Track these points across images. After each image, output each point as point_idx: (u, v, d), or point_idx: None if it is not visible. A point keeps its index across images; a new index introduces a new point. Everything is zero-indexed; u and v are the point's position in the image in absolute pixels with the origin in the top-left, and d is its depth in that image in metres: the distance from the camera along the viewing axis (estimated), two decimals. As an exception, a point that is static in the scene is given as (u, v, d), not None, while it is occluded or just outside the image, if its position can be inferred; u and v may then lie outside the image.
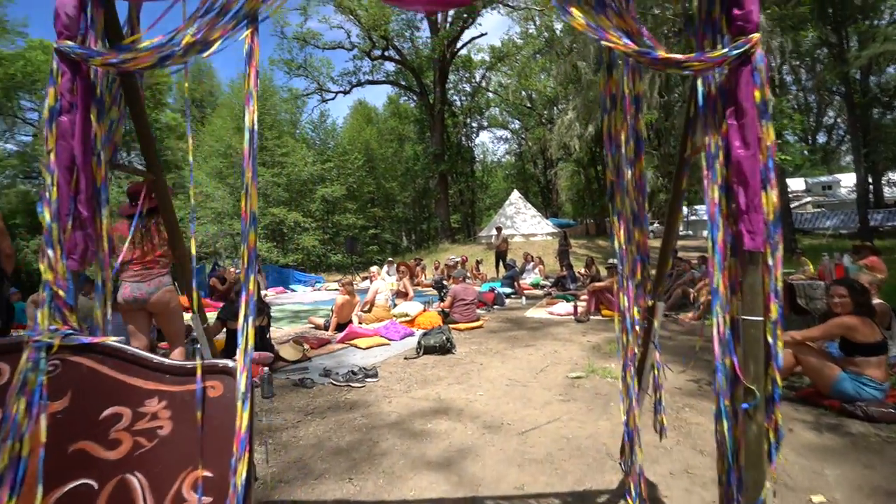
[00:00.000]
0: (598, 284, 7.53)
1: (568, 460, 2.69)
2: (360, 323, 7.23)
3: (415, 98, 31.89)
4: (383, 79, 29.83)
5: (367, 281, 8.11)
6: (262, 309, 4.67)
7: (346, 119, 41.38)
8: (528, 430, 3.10)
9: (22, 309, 6.95)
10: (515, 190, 26.15)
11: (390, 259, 17.74)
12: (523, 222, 23.78)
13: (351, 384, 4.08)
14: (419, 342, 5.28)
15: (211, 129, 27.33)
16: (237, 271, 12.77)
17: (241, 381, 1.28)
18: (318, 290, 14.46)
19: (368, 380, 4.22)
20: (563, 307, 7.86)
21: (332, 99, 29.08)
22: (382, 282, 7.58)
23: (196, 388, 1.31)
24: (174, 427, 1.29)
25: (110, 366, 1.30)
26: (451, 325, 6.78)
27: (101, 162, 1.47)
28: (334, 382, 4.14)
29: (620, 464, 2.56)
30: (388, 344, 5.82)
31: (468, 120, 35.19)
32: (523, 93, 33.89)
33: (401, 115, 40.44)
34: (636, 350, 1.75)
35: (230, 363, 1.35)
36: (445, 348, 5.19)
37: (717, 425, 1.46)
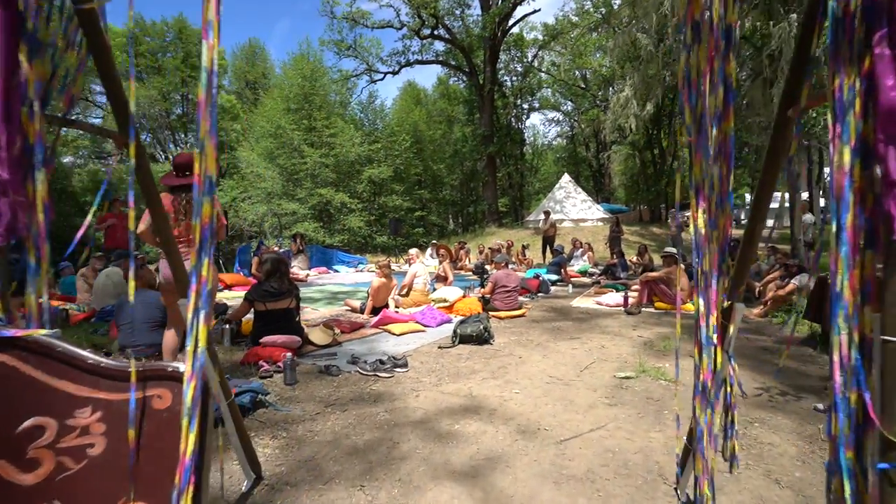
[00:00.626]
0: (652, 274, 6.97)
1: (612, 479, 2.31)
2: (396, 307, 7.02)
3: (464, 78, 31.22)
4: (432, 59, 29.28)
5: (407, 264, 7.86)
6: (290, 291, 4.48)
7: (394, 101, 41.20)
8: (567, 439, 2.74)
9: (72, 282, 7.15)
10: (566, 173, 25.23)
11: (434, 242, 17.53)
12: (573, 207, 22.95)
13: (378, 374, 3.83)
14: (455, 330, 4.97)
15: (263, 110, 27.76)
16: (280, 249, 12.90)
17: (188, 393, 0.99)
18: (361, 271, 14.41)
19: (397, 370, 3.95)
20: (613, 297, 7.34)
21: (381, 79, 28.85)
22: (421, 265, 7.31)
23: (141, 397, 1.04)
24: (109, 445, 1.03)
25: (34, 365, 1.04)
26: (491, 313, 6.44)
27: (35, 114, 1.20)
28: (361, 371, 3.90)
29: (676, 491, 2.16)
30: (423, 331, 5.55)
31: (519, 101, 34.23)
32: (577, 72, 32.56)
33: (450, 97, 39.86)
34: (716, 371, 1.35)
35: (181, 367, 1.06)
36: (483, 338, 4.85)
37: (829, 482, 1.06)
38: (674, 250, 6.94)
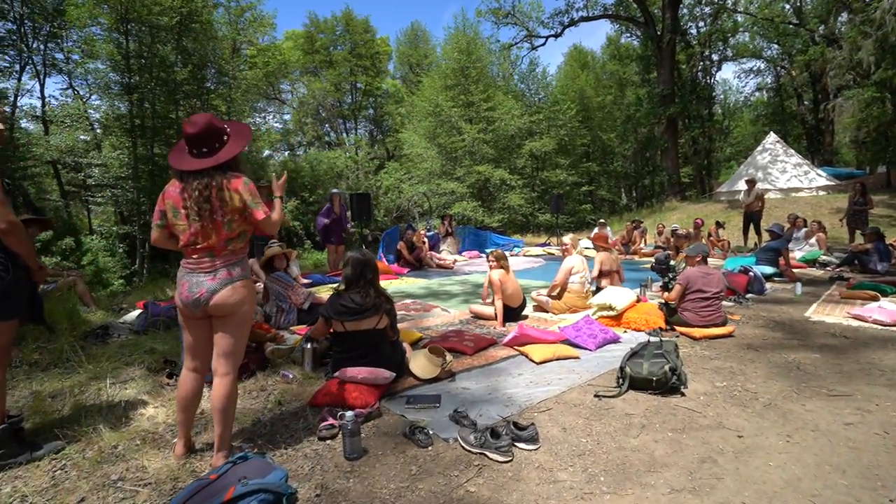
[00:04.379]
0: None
1: None
2: (547, 311, 5.47)
3: (638, 32, 27.23)
4: (600, 13, 25.99)
5: (562, 254, 6.16)
6: (378, 305, 3.23)
7: (558, 68, 38.38)
8: None
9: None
10: (771, 132, 20.27)
11: (602, 220, 15.27)
12: (781, 174, 18.30)
13: (487, 453, 2.37)
14: (622, 367, 3.25)
15: (422, 91, 27.74)
16: (428, 232, 12.08)
17: None
18: (516, 255, 12.99)
19: (520, 445, 2.45)
20: (886, 308, 4.73)
21: (543, 44, 26.59)
22: (579, 258, 5.56)
23: None
24: None
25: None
26: (678, 328, 4.50)
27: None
28: (463, 443, 2.48)
29: None
30: (575, 357, 3.90)
31: (707, 51, 28.82)
32: (786, 5, 26.08)
33: (621, 57, 35.68)
34: None
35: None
36: (668, 385, 3.06)
37: None
38: None
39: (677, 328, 4.53)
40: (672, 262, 5.81)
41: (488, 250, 5.85)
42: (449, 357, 3.56)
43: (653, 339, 3.48)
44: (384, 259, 10.37)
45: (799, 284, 6.13)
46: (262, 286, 5.23)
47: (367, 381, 3.10)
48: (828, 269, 7.95)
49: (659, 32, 22.88)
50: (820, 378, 3.30)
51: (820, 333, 4.39)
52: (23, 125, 21.74)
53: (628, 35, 31.27)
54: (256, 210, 2.30)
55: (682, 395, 3.07)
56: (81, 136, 23.98)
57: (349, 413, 2.48)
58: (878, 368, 3.46)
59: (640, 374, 3.13)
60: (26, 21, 21.32)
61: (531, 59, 29.95)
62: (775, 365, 3.59)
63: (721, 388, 3.18)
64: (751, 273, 6.23)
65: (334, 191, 9.27)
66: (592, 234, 6.39)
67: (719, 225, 11.36)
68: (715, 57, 30.05)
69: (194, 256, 2.30)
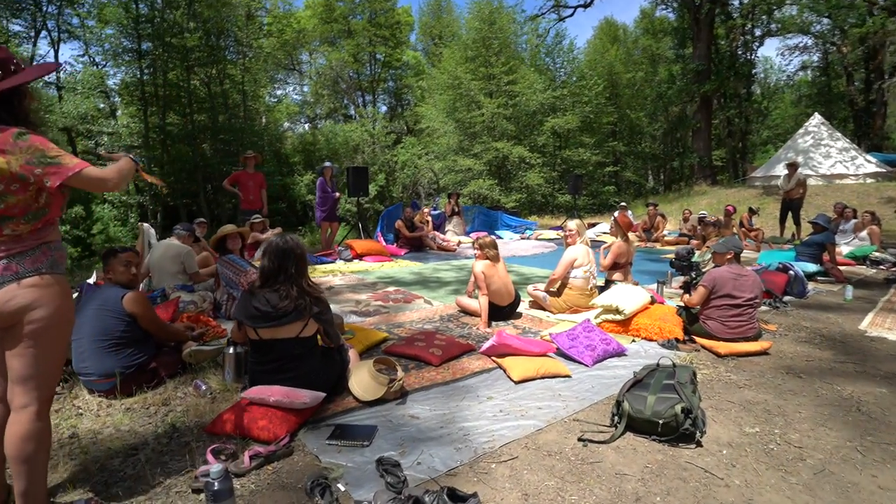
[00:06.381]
0: None
1: None
2: (544, 309, 4.69)
3: (674, 3, 25.41)
4: (635, -19, 24.29)
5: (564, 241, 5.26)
6: (301, 310, 2.46)
7: (587, 42, 36.52)
8: None
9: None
10: (816, 114, 18.63)
11: (623, 203, 14.21)
12: (825, 158, 16.81)
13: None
14: (619, 401, 2.44)
15: (443, 64, 26.54)
16: (433, 210, 11.26)
17: None
18: (528, 238, 12.11)
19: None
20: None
21: (571, 15, 25.12)
22: (584, 248, 4.70)
23: None
24: None
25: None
26: (700, 340, 3.67)
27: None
28: (376, 515, 1.74)
29: None
30: (566, 375, 3.10)
31: (749, 24, 26.74)
32: (842, -27, 23.85)
33: (655, 32, 33.68)
34: None
35: None
36: (679, 431, 2.25)
37: None
38: None
39: (698, 339, 3.68)
40: (696, 256, 4.90)
41: (474, 235, 5.02)
42: (400, 372, 2.80)
43: (663, 362, 2.65)
44: (381, 238, 9.63)
45: (849, 287, 5.16)
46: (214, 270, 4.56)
47: (281, 406, 2.38)
48: (881, 267, 6.90)
49: (697, 2, 21.19)
50: (892, 427, 2.44)
51: (883, 356, 3.47)
52: (39, 89, 21.56)
53: (664, 6, 29.29)
54: (55, 167, 1.54)
55: (698, 444, 2.26)
56: (101, 105, 23.75)
57: (215, 467, 1.75)
58: (969, 413, 2.58)
59: (643, 413, 2.32)
60: (41, -17, 20.93)
61: (557, 30, 28.24)
62: (826, 402, 2.73)
63: (752, 436, 2.35)
64: (790, 271, 5.28)
65: (326, 164, 8.53)
66: (616, 216, 5.49)
67: (753, 212, 10.24)
68: (757, 31, 27.88)
69: None
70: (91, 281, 4.79)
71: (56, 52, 22.56)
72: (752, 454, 2.18)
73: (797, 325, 4.22)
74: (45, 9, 21.44)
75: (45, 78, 21.92)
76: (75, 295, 4.71)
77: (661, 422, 2.27)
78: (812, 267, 6.02)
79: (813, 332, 4.01)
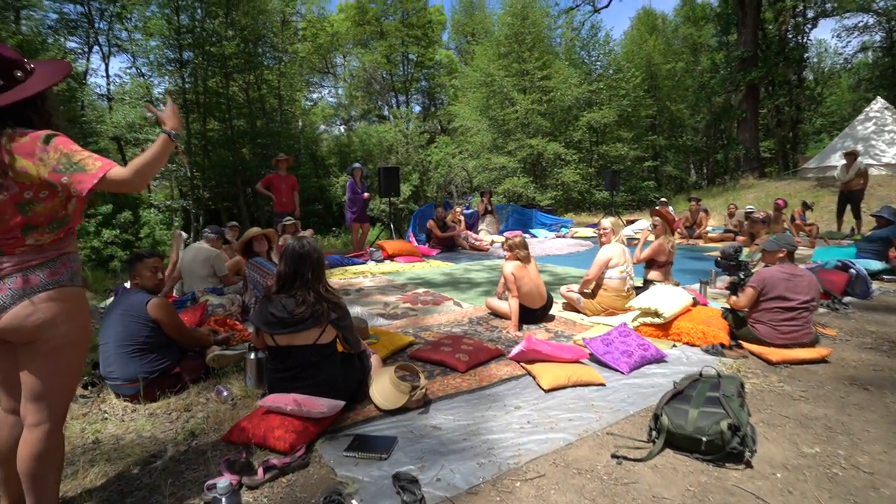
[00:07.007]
0: None
1: None
2: (578, 311, 4.48)
3: (718, -12, 24.35)
4: (674, -33, 23.41)
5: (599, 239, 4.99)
6: (318, 316, 2.37)
7: (623, 33, 35.48)
8: None
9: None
10: (879, 98, 17.41)
11: (663, 199, 13.69)
12: (889, 146, 15.67)
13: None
14: (658, 414, 2.24)
15: (476, 61, 26.32)
16: (465, 209, 11.11)
17: None
18: (563, 236, 11.81)
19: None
20: None
21: (607, 6, 24.42)
22: (620, 247, 4.46)
23: None
24: None
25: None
26: (748, 345, 3.39)
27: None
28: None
29: None
30: (600, 384, 2.90)
31: (800, 5, 25.27)
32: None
33: (696, 19, 32.37)
34: None
35: None
36: (725, 449, 2.03)
37: None
38: None
39: (746, 345, 3.39)
40: (744, 254, 4.57)
41: (507, 234, 4.85)
42: (423, 380, 2.68)
43: (706, 371, 2.42)
44: (413, 239, 9.56)
45: (918, 285, 4.71)
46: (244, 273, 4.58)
47: (297, 414, 2.29)
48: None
49: (743, -15, 20.20)
50: (975, 447, 2.15)
51: (959, 363, 3.12)
52: (94, 101, 22.68)
53: (706, -8, 28.14)
54: (81, 174, 1.48)
55: (748, 465, 2.04)
56: (148, 114, 24.78)
57: (221, 482, 1.67)
58: None
59: (684, 428, 2.11)
60: (93, 2, 21.98)
61: (593, 22, 27.50)
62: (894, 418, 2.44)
63: (812, 457, 2.10)
64: (851, 270, 4.86)
65: (356, 165, 8.53)
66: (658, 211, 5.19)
67: (806, 206, 9.62)
68: (810, 13, 26.32)
69: None
70: (128, 285, 4.89)
71: (107, 65, 23.72)
72: (813, 479, 1.95)
73: (861, 330, 3.86)
74: (97, 25, 22.55)
75: (97, 90, 23.04)
76: (111, 299, 4.83)
77: (704, 439, 2.06)
78: (876, 264, 5.55)
79: (880, 338, 3.65)
